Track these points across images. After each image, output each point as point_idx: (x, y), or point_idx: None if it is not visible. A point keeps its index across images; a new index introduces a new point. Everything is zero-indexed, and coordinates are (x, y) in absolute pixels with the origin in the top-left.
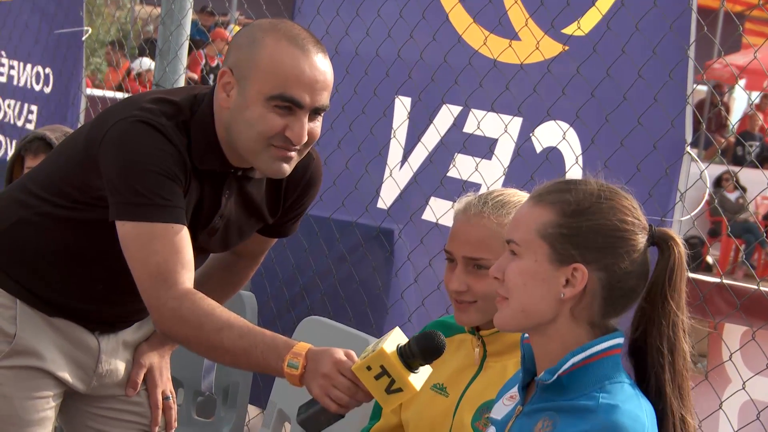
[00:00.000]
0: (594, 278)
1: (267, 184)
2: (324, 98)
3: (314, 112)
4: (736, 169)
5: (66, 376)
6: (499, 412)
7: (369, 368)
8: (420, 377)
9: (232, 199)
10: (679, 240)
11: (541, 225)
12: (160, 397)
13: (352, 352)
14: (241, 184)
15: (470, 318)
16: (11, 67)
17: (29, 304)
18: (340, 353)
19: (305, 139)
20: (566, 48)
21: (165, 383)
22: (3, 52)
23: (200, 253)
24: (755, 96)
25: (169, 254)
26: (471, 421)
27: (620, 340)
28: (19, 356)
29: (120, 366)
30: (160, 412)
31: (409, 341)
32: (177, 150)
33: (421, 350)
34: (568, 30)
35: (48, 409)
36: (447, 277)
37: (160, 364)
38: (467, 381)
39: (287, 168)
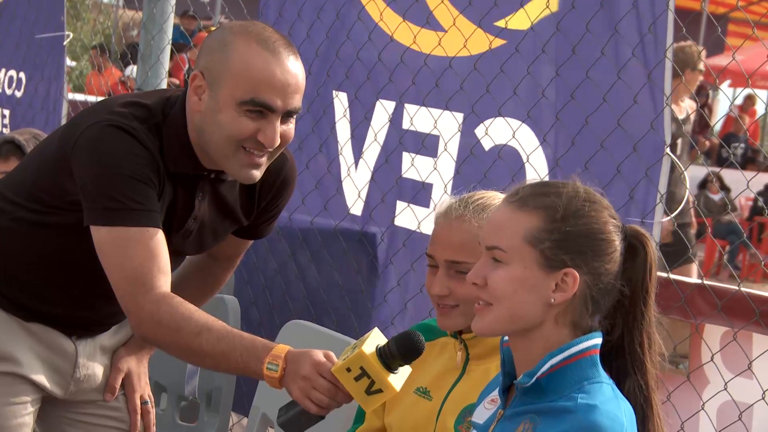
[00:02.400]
0: (582, 281)
1: (240, 185)
2: (296, 101)
3: (286, 115)
4: (719, 170)
5: (43, 381)
6: (480, 416)
7: (349, 370)
8: (400, 377)
9: (205, 201)
10: (650, 237)
11: (527, 231)
12: (138, 402)
13: (332, 354)
14: (215, 187)
15: (452, 322)
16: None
17: (4, 309)
18: (319, 355)
19: (278, 142)
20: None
21: (143, 388)
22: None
23: (176, 255)
24: (738, 97)
25: (145, 258)
26: (454, 425)
27: (598, 340)
28: None
29: (98, 370)
30: (139, 416)
31: (388, 342)
32: (150, 153)
33: (401, 351)
34: (502, 23)
35: (25, 414)
36: (429, 282)
37: (138, 368)
38: (450, 384)
39: (257, 174)
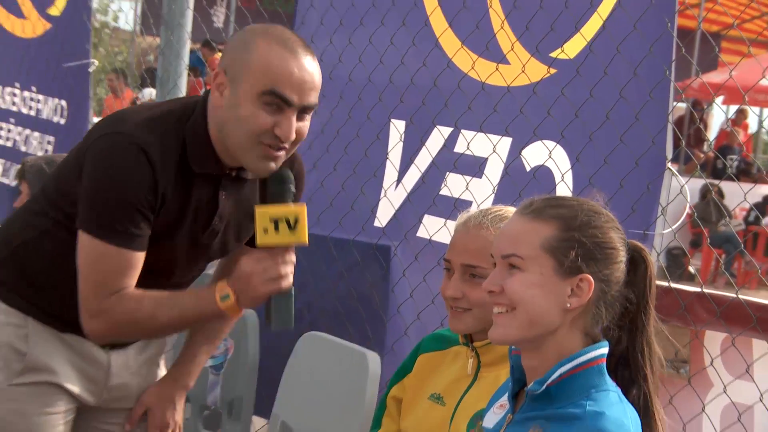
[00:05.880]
0: (596, 287)
1: (259, 188)
2: (312, 98)
3: (302, 111)
4: (716, 182)
5: (78, 390)
6: (490, 420)
7: (266, 231)
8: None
9: (229, 200)
10: (648, 251)
11: (544, 239)
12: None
13: (245, 248)
14: (236, 186)
15: (464, 325)
16: (37, 101)
17: (41, 321)
18: (242, 257)
19: (293, 136)
20: (552, 71)
21: (165, 423)
22: (33, 87)
23: (200, 259)
24: (732, 111)
25: (112, 273)
26: (466, 429)
27: (605, 350)
28: (32, 373)
29: (131, 380)
30: None
31: (265, 195)
32: (151, 170)
33: (273, 188)
34: (555, 53)
35: (61, 424)
36: (444, 285)
37: (163, 406)
38: (462, 391)
39: (273, 166)
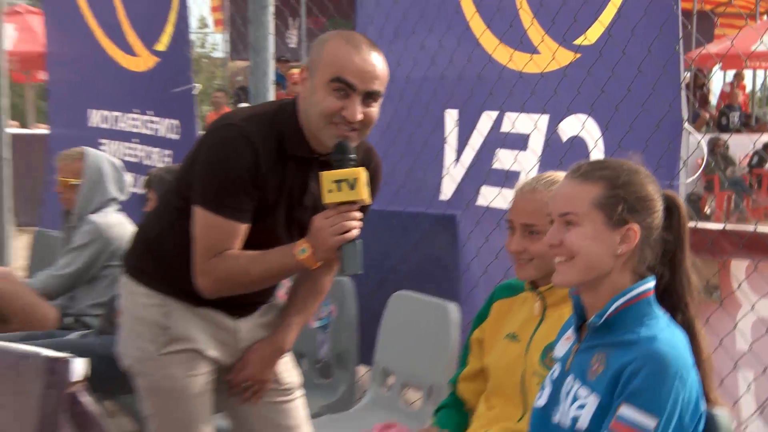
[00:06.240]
0: (642, 235)
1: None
2: (374, 85)
3: (367, 97)
4: (725, 136)
5: (214, 353)
6: (559, 351)
7: (330, 190)
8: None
9: (317, 181)
10: (682, 202)
11: (594, 197)
12: (238, 379)
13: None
14: (323, 169)
15: (528, 273)
16: (154, 122)
17: (178, 300)
18: (315, 217)
19: (358, 117)
20: (578, 56)
21: (251, 376)
22: (150, 111)
23: (296, 233)
24: (730, 76)
25: (218, 240)
26: (539, 359)
27: (652, 284)
28: (176, 343)
29: (254, 341)
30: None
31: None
32: (255, 154)
33: (334, 159)
34: (579, 41)
35: (204, 384)
36: (508, 242)
37: (255, 362)
38: (533, 329)
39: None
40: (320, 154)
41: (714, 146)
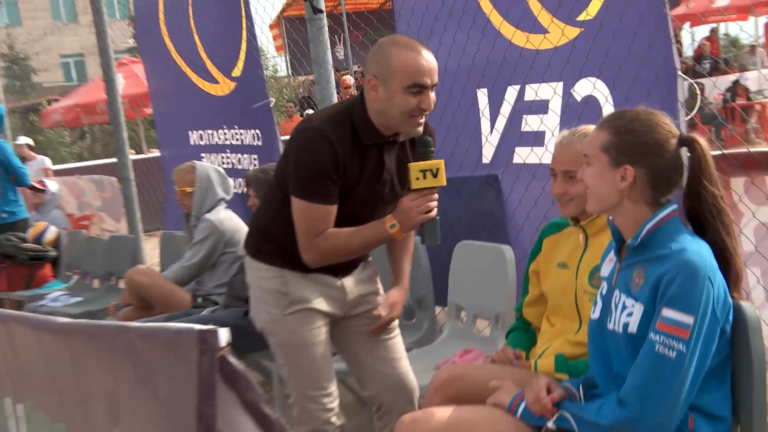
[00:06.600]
0: (640, 173)
1: (408, 144)
2: (436, 77)
3: (432, 87)
4: (700, 80)
5: (327, 308)
6: (605, 271)
7: (417, 178)
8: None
9: (390, 158)
10: (701, 139)
11: (601, 142)
12: (387, 319)
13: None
14: (392, 148)
15: (570, 211)
16: (240, 134)
17: (292, 270)
18: (402, 199)
19: (433, 107)
20: (582, 29)
21: (394, 303)
22: (236, 126)
23: (379, 204)
24: (700, 31)
25: (314, 222)
26: (588, 281)
27: (673, 207)
28: (295, 304)
29: (359, 294)
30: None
31: (414, 156)
32: (333, 150)
33: (419, 150)
34: (581, 17)
35: (322, 334)
36: (552, 186)
37: (394, 300)
38: (579, 256)
39: (420, 129)
40: (388, 137)
41: (693, 90)
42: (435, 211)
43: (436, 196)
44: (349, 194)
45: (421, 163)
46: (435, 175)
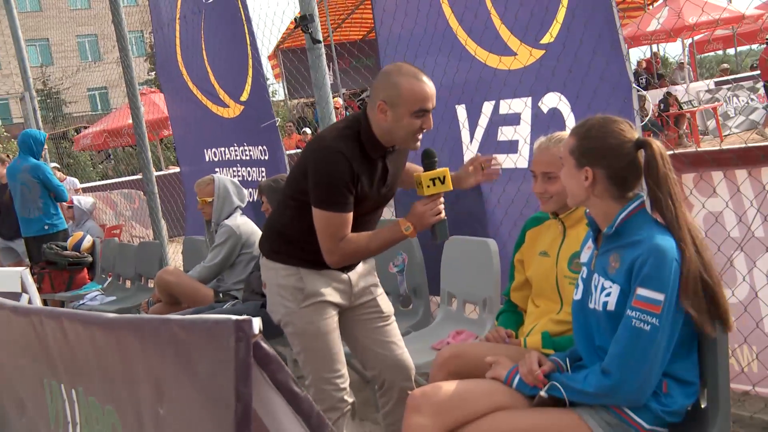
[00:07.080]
0: (600, 174)
1: (401, 154)
2: (435, 101)
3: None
4: (643, 93)
5: (337, 300)
6: (584, 257)
7: (428, 186)
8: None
9: (391, 164)
10: (655, 143)
11: (569, 147)
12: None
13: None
14: (392, 156)
15: (549, 207)
16: (249, 150)
17: (306, 268)
18: (414, 203)
19: (432, 126)
20: (546, 50)
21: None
22: (245, 143)
23: (381, 203)
24: (633, 52)
25: (336, 228)
26: (567, 266)
27: (641, 200)
28: (310, 297)
29: (363, 285)
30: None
31: (423, 167)
32: (349, 163)
33: (425, 161)
34: (545, 40)
35: (334, 323)
36: (533, 186)
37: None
38: (558, 245)
39: (419, 144)
40: (388, 147)
41: (642, 101)
42: (443, 213)
43: (443, 199)
44: (362, 200)
45: (430, 172)
46: (443, 182)
